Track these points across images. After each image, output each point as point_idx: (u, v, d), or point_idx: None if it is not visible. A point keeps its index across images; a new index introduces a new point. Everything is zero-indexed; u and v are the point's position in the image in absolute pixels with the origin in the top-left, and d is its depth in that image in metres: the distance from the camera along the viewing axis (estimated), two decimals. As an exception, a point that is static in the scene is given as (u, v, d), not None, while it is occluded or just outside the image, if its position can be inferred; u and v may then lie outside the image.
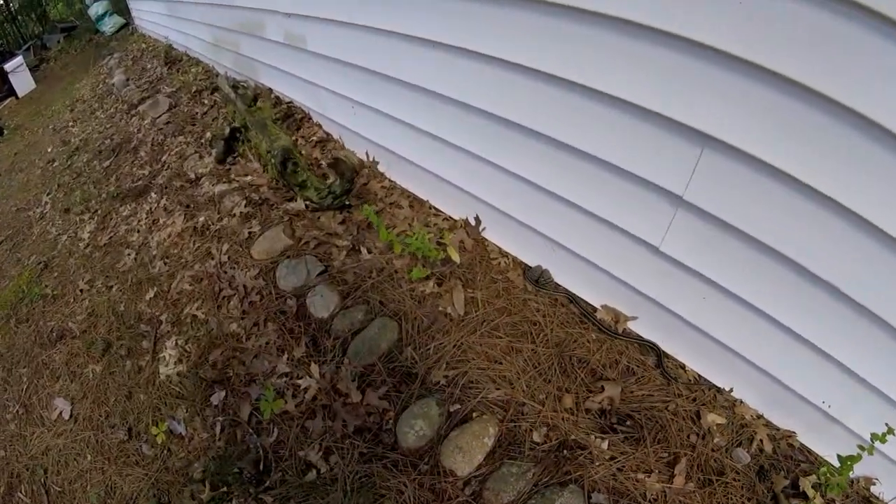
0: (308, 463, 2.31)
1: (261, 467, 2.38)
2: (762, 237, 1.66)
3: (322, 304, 2.77)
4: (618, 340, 2.32)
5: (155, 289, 3.43)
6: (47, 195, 5.78)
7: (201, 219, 3.61)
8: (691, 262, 1.89)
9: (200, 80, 5.81)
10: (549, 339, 2.36)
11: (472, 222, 2.91)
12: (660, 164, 1.78)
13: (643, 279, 2.14)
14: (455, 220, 3.02)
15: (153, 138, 5.16)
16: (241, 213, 3.42)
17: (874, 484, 1.93)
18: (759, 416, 2.07)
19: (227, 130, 3.98)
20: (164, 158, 4.68)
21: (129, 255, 3.86)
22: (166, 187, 4.22)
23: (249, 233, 3.26)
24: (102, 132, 6.28)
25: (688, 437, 2.02)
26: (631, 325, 2.34)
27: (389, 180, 3.38)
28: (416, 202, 3.20)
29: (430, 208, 3.15)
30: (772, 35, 1.37)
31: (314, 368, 2.56)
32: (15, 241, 5.43)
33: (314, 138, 3.84)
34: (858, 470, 1.86)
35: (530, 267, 2.66)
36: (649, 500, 1.88)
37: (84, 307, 3.80)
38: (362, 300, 2.75)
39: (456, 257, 2.70)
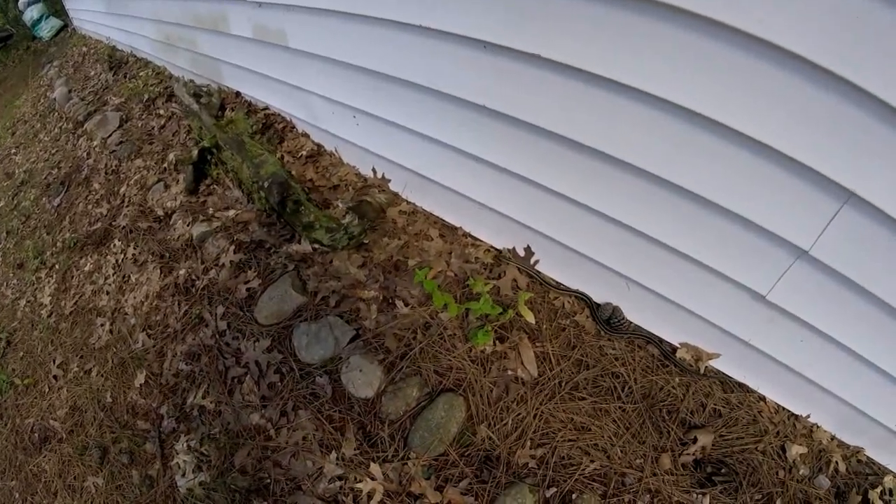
0: None
1: None
2: (888, 298, 1.63)
3: (363, 380, 2.23)
4: (702, 381, 2.21)
5: (144, 372, 2.85)
6: None
7: (182, 272, 3.00)
8: (800, 311, 1.84)
9: (152, 85, 5.09)
10: (635, 392, 2.17)
11: (522, 253, 2.46)
12: (789, 215, 1.63)
13: (738, 323, 2.03)
14: (499, 251, 2.56)
15: (106, 164, 4.49)
16: (230, 261, 2.81)
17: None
18: (833, 438, 2.15)
19: (196, 153, 3.32)
20: (122, 190, 4.02)
21: (102, 325, 3.26)
22: (131, 230, 3.57)
23: (248, 289, 2.66)
24: (48, 160, 5.59)
25: (777, 473, 2.04)
26: (712, 363, 2.23)
27: (408, 202, 2.82)
28: (446, 230, 2.66)
29: (464, 236, 2.63)
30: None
31: (375, 469, 2.07)
32: None
33: (303, 153, 3.22)
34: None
35: (599, 305, 2.37)
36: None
37: (63, 399, 3.25)
38: (412, 371, 2.23)
39: (531, 318, 2.23)
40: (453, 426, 2.09)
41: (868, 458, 2.12)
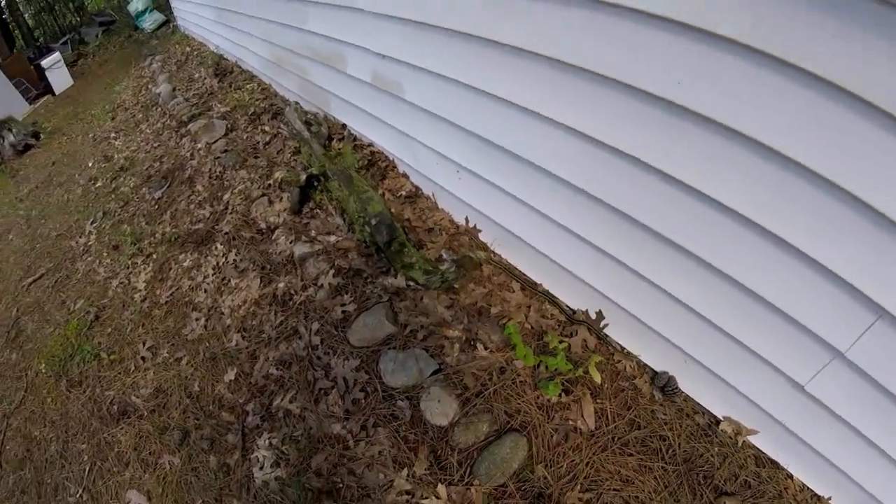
0: None
1: None
2: None
3: (440, 410, 2.57)
4: (739, 453, 2.44)
5: (235, 369, 3.23)
6: (91, 223, 5.66)
7: (281, 285, 3.40)
8: (833, 405, 2.05)
9: (258, 100, 5.61)
10: (678, 455, 2.42)
11: (593, 316, 2.78)
12: (829, 320, 1.89)
13: (777, 406, 2.27)
14: (574, 312, 2.88)
15: (210, 169, 4.97)
16: (329, 284, 3.20)
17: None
18: None
19: (304, 177, 3.76)
20: (225, 197, 4.48)
21: (196, 320, 3.67)
22: (234, 237, 4.01)
23: (343, 311, 3.04)
24: (150, 152, 6.14)
25: None
26: (750, 438, 2.46)
27: (495, 253, 3.16)
28: (528, 285, 3.00)
29: (544, 293, 2.95)
30: None
31: (441, 489, 2.39)
32: (57, 278, 5.29)
33: (402, 192, 3.61)
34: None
35: (657, 373, 2.65)
36: None
37: (149, 380, 3.62)
38: (485, 409, 2.56)
39: (597, 378, 2.55)
40: (515, 462, 2.40)
41: (881, 547, 2.33)
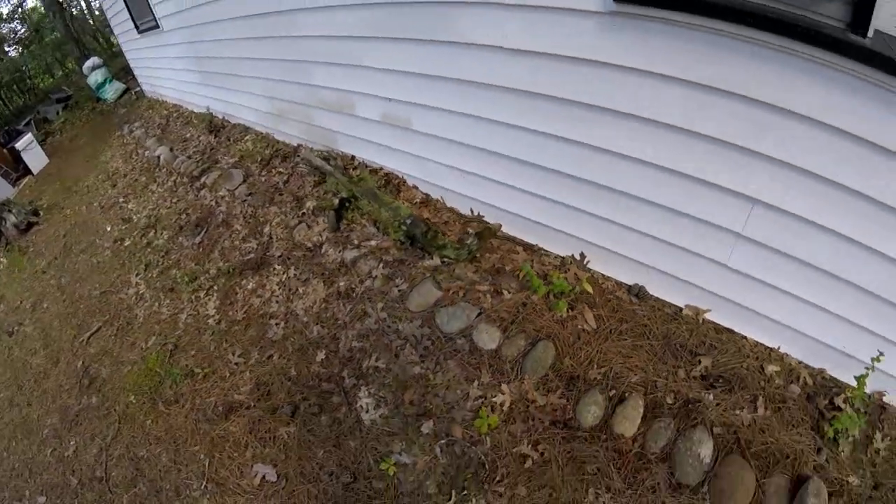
0: (523, 455, 3.25)
1: (486, 468, 3.32)
2: (808, 259, 2.73)
3: (488, 338, 3.73)
4: (701, 328, 3.37)
5: (323, 351, 4.22)
6: (136, 276, 6.39)
7: (342, 283, 4.51)
8: (752, 272, 2.94)
9: (262, 148, 6.66)
10: (657, 335, 3.40)
11: (578, 257, 3.94)
12: (724, 214, 2.85)
13: (716, 284, 3.19)
14: (563, 257, 4.02)
15: (241, 210, 6.00)
16: (381, 274, 4.34)
17: (885, 395, 2.99)
18: (801, 362, 3.11)
19: (336, 201, 4.91)
20: (266, 230, 5.53)
21: (276, 325, 4.61)
22: (288, 258, 5.08)
23: (399, 290, 4.19)
24: (171, 207, 7.04)
25: (759, 382, 3.08)
26: (707, 316, 3.37)
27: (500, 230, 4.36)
28: (527, 247, 4.18)
29: (539, 250, 4.15)
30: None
31: (504, 387, 3.48)
32: (118, 326, 5.87)
33: (416, 200, 4.78)
34: (872, 387, 2.90)
35: (630, 285, 3.71)
36: (748, 425, 2.94)
37: (246, 379, 4.27)
38: (519, 330, 3.70)
39: (590, 289, 3.71)
40: (549, 359, 3.51)
41: (831, 376, 3.03)
